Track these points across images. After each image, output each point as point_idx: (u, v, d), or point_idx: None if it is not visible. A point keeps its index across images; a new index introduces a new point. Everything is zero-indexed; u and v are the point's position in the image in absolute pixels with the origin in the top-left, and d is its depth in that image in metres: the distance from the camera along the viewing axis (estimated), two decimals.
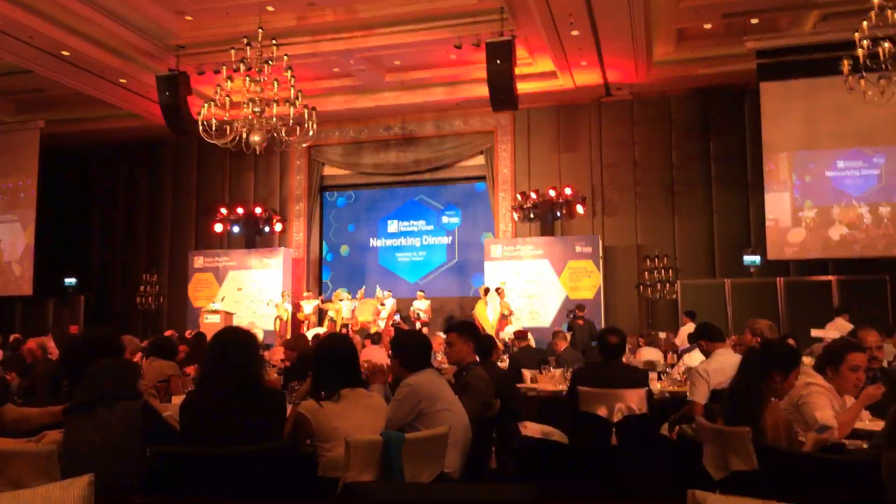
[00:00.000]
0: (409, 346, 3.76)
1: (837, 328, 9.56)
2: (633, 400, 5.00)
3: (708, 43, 13.41)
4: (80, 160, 18.19)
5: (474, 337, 4.50)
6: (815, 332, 8.92)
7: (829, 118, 12.74)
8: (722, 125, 14.82)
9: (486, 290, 14.51)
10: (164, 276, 17.44)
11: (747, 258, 13.68)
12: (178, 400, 4.52)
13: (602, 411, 4.98)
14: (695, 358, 6.48)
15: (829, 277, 13.10)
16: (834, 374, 3.62)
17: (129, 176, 18.24)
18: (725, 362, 4.61)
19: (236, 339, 3.05)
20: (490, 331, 13.06)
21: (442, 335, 5.86)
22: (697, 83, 14.60)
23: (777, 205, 13.14)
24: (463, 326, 4.60)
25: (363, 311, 15.23)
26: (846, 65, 8.88)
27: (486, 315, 14.10)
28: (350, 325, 14.84)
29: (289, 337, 12.23)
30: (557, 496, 4.33)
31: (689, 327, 10.16)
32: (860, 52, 8.52)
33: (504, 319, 13.95)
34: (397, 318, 15.05)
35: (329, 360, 3.33)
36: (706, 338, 5.07)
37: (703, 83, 14.54)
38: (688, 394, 4.78)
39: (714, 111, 14.91)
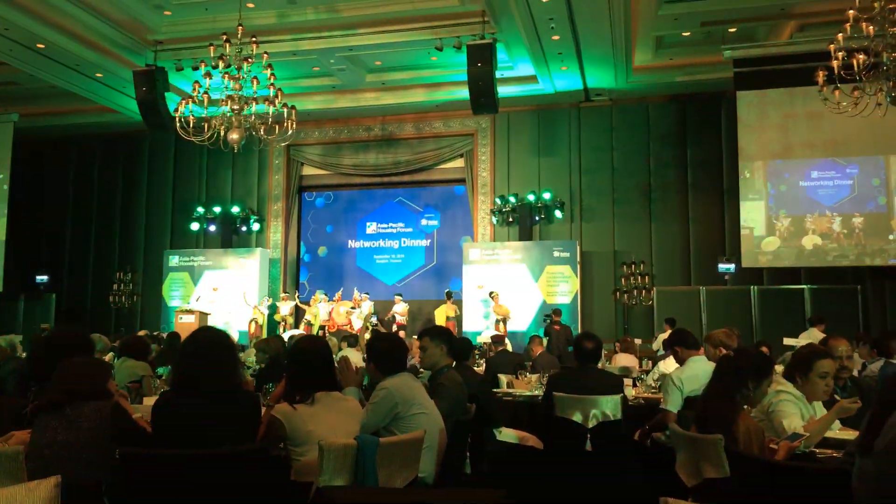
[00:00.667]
0: (384, 349, 3.75)
1: (810, 338, 9.68)
2: (608, 406, 5.02)
3: (686, 51, 13.55)
4: (54, 155, 17.93)
5: (447, 341, 4.51)
6: (787, 341, 9.03)
7: (803, 128, 12.93)
8: (699, 133, 14.98)
9: (449, 295, 14.84)
10: (138, 274, 17.26)
11: (722, 266, 13.82)
12: (149, 401, 4.46)
13: (577, 417, 4.99)
14: (670, 364, 6.52)
15: (802, 286, 13.29)
16: (803, 381, 3.68)
17: (104, 172, 18.00)
18: (699, 370, 4.65)
19: (212, 340, 3.02)
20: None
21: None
22: (675, 90, 14.75)
23: (752, 213, 13.30)
24: (436, 331, 4.62)
25: (339, 312, 15.16)
26: (821, 75, 8.99)
27: (443, 319, 14.35)
28: (327, 328, 14.76)
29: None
30: (531, 502, 4.33)
31: (668, 334, 10.22)
32: (835, 63, 8.64)
33: (501, 325, 13.89)
34: (374, 320, 15.00)
35: (304, 363, 3.31)
36: (681, 344, 5.09)
37: (681, 90, 14.70)
38: (661, 402, 4.81)
39: (691, 118, 15.06)
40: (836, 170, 13.02)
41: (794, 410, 3.47)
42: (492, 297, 14.24)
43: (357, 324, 14.75)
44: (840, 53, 8.52)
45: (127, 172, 17.88)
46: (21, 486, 2.07)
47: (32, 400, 3.79)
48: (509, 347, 10.25)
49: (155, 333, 13.35)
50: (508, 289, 14.53)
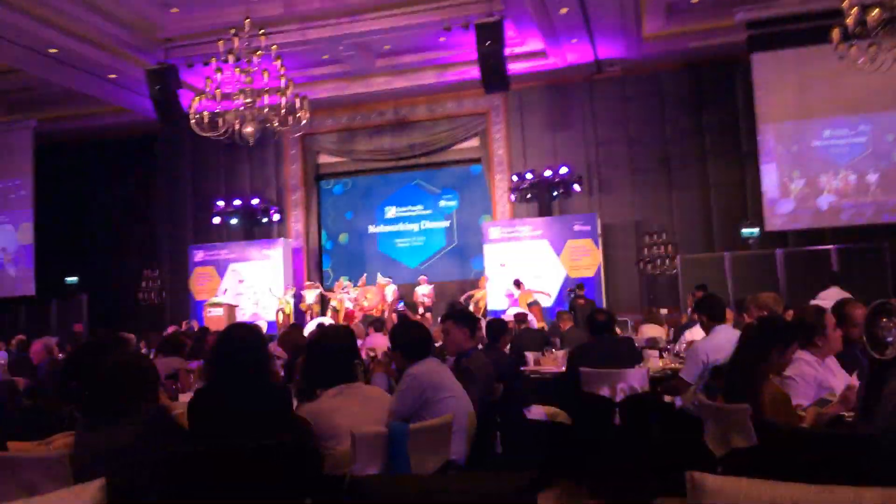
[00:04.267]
0: (408, 337, 3.79)
1: (829, 297, 9.59)
2: (634, 379, 5.05)
3: (697, 16, 13.36)
4: (74, 157, 18.13)
5: (470, 323, 4.55)
6: (813, 303, 8.95)
7: (821, 87, 12.72)
8: (714, 98, 14.78)
9: (518, 283, 14.01)
10: (164, 270, 17.46)
11: (745, 230, 13.70)
12: (185, 398, 4.57)
13: (604, 391, 5.03)
14: (697, 333, 6.51)
15: (828, 247, 13.12)
16: (823, 340, 3.71)
17: (123, 171, 18.16)
18: (724, 338, 4.63)
19: (244, 338, 3.07)
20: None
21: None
22: (688, 57, 14.54)
23: (768, 176, 13.18)
24: (458, 314, 4.67)
25: (366, 298, 15.24)
26: (836, 33, 8.84)
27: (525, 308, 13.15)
28: (353, 314, 14.87)
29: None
30: (563, 477, 4.38)
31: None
32: (849, 20, 8.49)
33: (535, 307, 13.52)
34: (400, 305, 15.08)
35: (321, 358, 3.35)
36: (707, 314, 5.02)
37: (694, 56, 14.49)
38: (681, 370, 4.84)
39: (706, 84, 14.86)
40: (849, 127, 12.84)
41: (803, 389, 3.51)
42: (517, 286, 13.91)
43: (390, 297, 14.78)
44: (854, 10, 8.37)
45: (146, 170, 18.04)
46: (67, 490, 2.13)
47: (73, 401, 3.89)
48: (536, 323, 10.29)
49: (186, 327, 13.56)
50: (531, 266, 14.51)
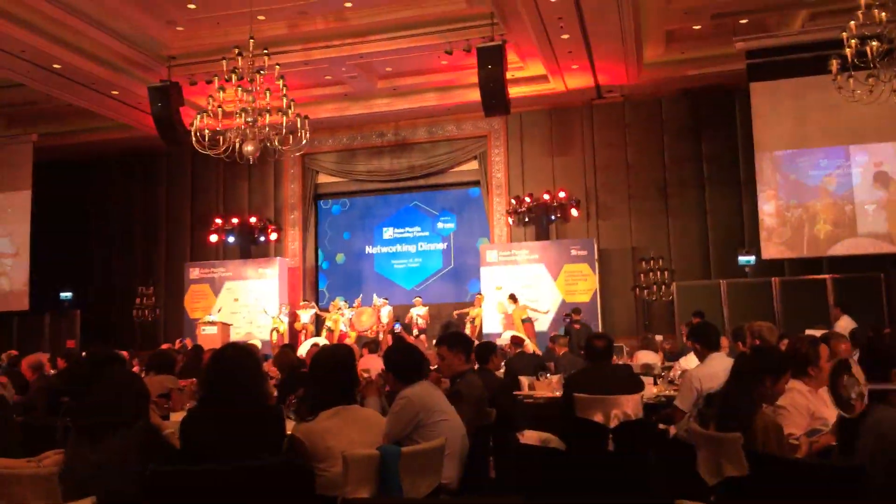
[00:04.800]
0: (402, 359, 3.80)
1: (839, 328, 9.63)
2: (629, 405, 5.05)
3: (697, 44, 13.50)
4: (74, 173, 18.16)
5: (465, 347, 4.56)
6: (809, 332, 8.97)
7: (818, 117, 12.83)
8: (713, 126, 14.91)
9: (514, 297, 13.96)
10: (160, 287, 17.44)
11: (742, 258, 13.74)
12: (176, 417, 4.56)
13: (598, 417, 5.02)
14: (691, 361, 6.53)
15: (825, 276, 13.18)
16: (817, 371, 3.73)
17: (123, 188, 18.22)
18: (718, 367, 4.63)
19: (238, 357, 3.08)
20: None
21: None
22: (688, 84, 14.68)
23: (765, 205, 13.24)
24: (452, 338, 4.68)
25: (361, 319, 15.24)
26: (835, 64, 8.95)
27: (519, 324, 13.38)
28: (347, 336, 14.85)
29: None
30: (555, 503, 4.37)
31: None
32: (848, 51, 8.59)
33: (528, 323, 13.57)
34: (397, 326, 15.07)
35: (321, 378, 3.36)
36: (701, 342, 5.04)
37: (694, 84, 14.63)
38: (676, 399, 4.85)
39: (705, 112, 14.99)
40: (846, 157, 12.93)
41: (796, 419, 3.52)
42: (512, 300, 13.92)
43: (385, 319, 14.83)
44: (853, 41, 8.48)
45: (146, 187, 18.10)
46: None
47: (63, 416, 3.88)
48: (530, 349, 10.28)
49: (180, 345, 13.53)
50: (527, 289, 14.53)
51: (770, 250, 13.19)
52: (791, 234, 13.06)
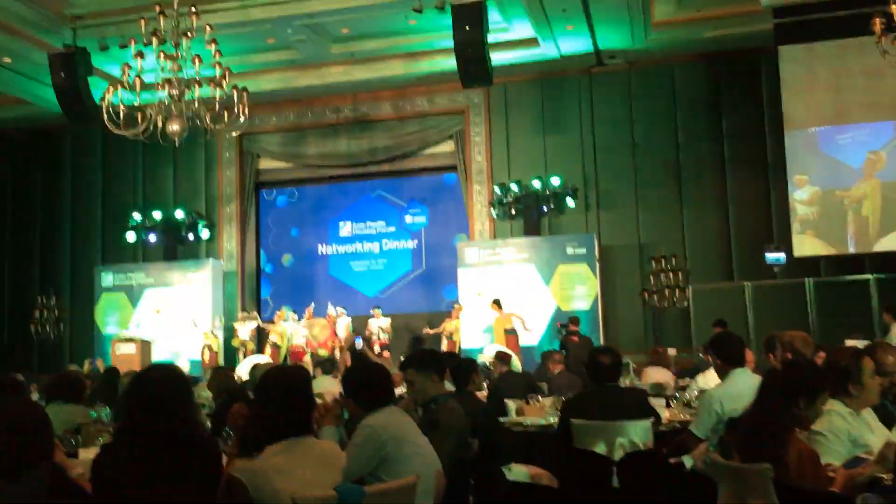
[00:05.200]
0: (364, 381, 3.80)
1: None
2: (636, 433, 5.08)
3: (716, 0, 13.61)
4: None
5: (436, 366, 4.56)
6: (850, 343, 9.09)
7: (859, 86, 12.99)
8: (735, 98, 15.07)
9: (498, 303, 14.08)
10: (63, 297, 17.24)
11: (770, 256, 13.87)
12: (86, 453, 4.51)
13: (600, 448, 5.06)
14: (710, 378, 6.58)
15: (867, 276, 13.33)
16: (858, 389, 3.76)
17: (19, 176, 17.99)
18: (743, 385, 4.66)
19: (163, 382, 3.05)
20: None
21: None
22: (705, 48, 14.82)
23: (799, 191, 13.36)
24: (419, 358, 4.68)
25: (313, 333, 15.18)
26: (878, 23, 9.08)
27: (501, 336, 13.57)
28: (300, 353, 14.79)
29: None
30: None
31: None
32: (894, 7, 8.74)
33: (511, 336, 13.63)
34: (358, 341, 15.04)
35: (269, 404, 3.34)
36: (721, 356, 5.05)
37: (712, 48, 14.77)
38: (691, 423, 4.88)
39: (725, 81, 15.15)
40: (893, 135, 13.09)
41: (836, 447, 3.55)
42: (496, 306, 13.99)
43: (342, 333, 14.85)
44: None
45: (47, 175, 17.88)
46: None
47: None
48: (518, 367, 10.30)
49: (89, 368, 13.38)
50: (515, 295, 14.52)
51: (803, 246, 13.33)
52: (828, 227, 13.20)
